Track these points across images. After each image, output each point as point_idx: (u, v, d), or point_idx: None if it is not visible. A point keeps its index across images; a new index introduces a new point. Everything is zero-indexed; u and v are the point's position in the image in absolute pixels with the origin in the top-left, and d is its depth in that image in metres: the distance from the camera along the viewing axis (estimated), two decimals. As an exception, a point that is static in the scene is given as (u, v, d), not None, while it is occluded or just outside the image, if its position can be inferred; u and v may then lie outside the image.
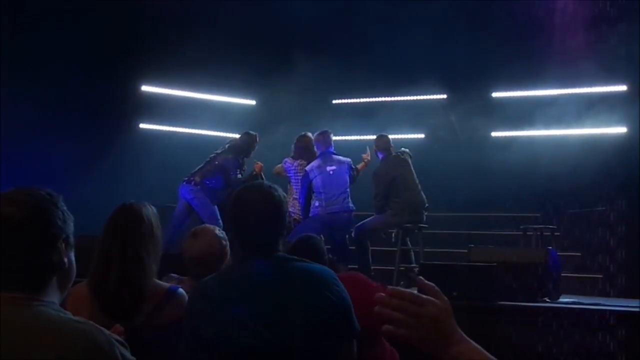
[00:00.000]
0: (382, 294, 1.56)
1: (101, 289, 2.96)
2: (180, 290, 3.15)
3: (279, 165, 8.93)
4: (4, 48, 9.68)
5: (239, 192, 2.84)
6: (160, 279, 3.31)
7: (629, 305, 6.23)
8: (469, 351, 1.53)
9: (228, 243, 3.63)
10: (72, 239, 1.90)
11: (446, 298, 1.57)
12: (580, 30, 9.84)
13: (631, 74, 9.74)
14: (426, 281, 1.59)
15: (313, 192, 8.31)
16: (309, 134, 8.80)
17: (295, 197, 8.60)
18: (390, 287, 1.57)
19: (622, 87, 10.29)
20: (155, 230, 3.11)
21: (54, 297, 1.85)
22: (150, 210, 3.15)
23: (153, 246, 3.07)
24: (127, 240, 3.02)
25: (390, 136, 8.97)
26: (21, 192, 1.88)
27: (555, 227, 8.72)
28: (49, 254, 1.82)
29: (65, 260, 1.86)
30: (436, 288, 1.58)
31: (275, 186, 2.86)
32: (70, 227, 1.90)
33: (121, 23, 10.77)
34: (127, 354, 1.78)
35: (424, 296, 1.56)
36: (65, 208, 1.88)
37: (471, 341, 1.54)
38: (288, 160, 8.82)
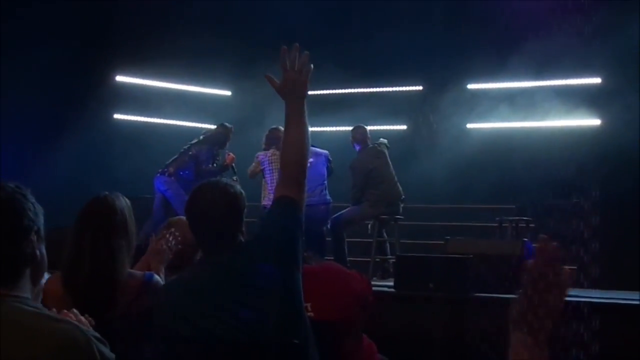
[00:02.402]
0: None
1: (72, 282, 2.93)
2: (156, 277, 3.12)
3: (253, 164, 8.81)
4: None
5: (194, 190, 2.81)
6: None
7: (603, 296, 6.28)
8: None
9: None
10: (42, 232, 1.87)
11: None
12: (556, 22, 9.87)
13: (605, 66, 9.80)
14: None
15: None
16: (280, 127, 8.73)
17: (270, 189, 8.53)
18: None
19: (597, 80, 10.35)
20: (128, 222, 3.07)
21: (27, 291, 1.83)
22: (123, 202, 3.10)
23: (125, 239, 3.03)
24: (99, 233, 2.98)
25: (371, 127, 8.95)
26: None
27: (530, 218, 8.75)
28: (22, 247, 1.79)
29: (37, 252, 1.84)
30: None
31: (232, 183, 2.83)
32: (41, 219, 1.87)
33: (96, 12, 10.68)
34: (106, 350, 1.75)
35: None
36: (34, 200, 1.86)
37: None
38: (260, 153, 8.75)
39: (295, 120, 2.90)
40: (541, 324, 1.54)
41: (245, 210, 2.79)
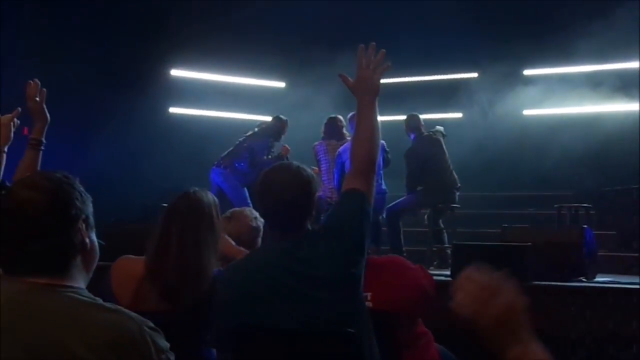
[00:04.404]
0: (465, 275, 1.51)
1: (159, 275, 2.96)
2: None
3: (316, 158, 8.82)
4: (34, 31, 9.75)
5: (266, 172, 2.83)
6: None
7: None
8: (534, 353, 1.49)
9: (261, 230, 3.61)
10: (91, 220, 1.90)
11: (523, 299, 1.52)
12: (611, 5, 9.68)
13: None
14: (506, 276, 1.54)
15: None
16: (339, 116, 8.73)
17: (325, 179, 8.52)
18: (471, 269, 1.54)
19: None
20: (214, 218, 3.09)
21: (80, 280, 1.86)
22: (211, 199, 3.13)
23: (212, 234, 3.05)
24: (186, 227, 3.00)
25: (426, 116, 8.90)
26: (39, 176, 1.91)
27: (589, 205, 8.61)
28: (70, 235, 1.82)
29: (87, 240, 1.86)
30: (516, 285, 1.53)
31: (304, 166, 2.84)
32: (89, 207, 1.89)
33: (150, 6, 10.80)
34: (159, 339, 1.76)
35: (500, 284, 1.52)
36: (82, 189, 1.89)
37: (537, 342, 1.50)
38: (317, 143, 8.76)
39: (367, 116, 2.94)
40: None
41: (316, 195, 2.81)
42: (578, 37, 9.71)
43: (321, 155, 8.59)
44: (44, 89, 3.28)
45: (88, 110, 9.94)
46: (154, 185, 10.08)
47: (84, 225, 1.85)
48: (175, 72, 11.90)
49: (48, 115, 3.30)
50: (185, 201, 3.08)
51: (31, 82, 3.29)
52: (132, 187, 10.17)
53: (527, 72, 11.20)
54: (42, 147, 3.28)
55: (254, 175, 8.21)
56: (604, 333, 5.65)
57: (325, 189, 8.41)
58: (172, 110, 11.93)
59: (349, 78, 3.02)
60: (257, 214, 3.72)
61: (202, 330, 2.90)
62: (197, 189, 3.15)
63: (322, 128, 8.76)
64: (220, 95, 11.79)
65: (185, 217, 3.03)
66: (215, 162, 8.66)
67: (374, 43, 2.99)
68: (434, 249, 8.43)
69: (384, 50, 3.00)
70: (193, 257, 2.97)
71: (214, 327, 2.74)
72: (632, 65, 10.25)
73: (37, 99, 3.29)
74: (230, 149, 8.71)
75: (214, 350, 2.89)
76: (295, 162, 2.89)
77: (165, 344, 1.78)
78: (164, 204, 3.19)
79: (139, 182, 10.28)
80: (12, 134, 3.22)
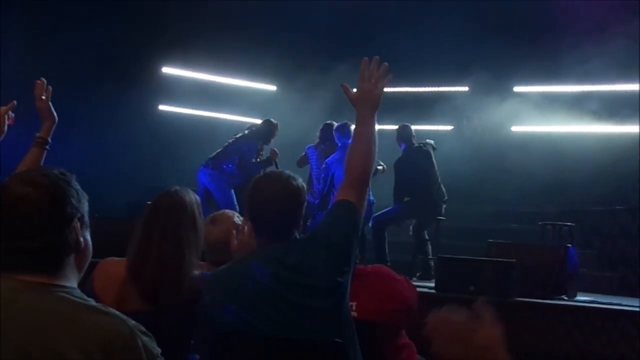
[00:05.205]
0: (434, 316, 1.47)
1: (139, 274, 2.93)
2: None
3: (302, 155, 8.85)
4: (22, 26, 9.71)
5: (256, 180, 2.84)
6: None
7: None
8: None
9: None
10: (87, 218, 1.87)
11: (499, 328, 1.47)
12: (603, 26, 9.73)
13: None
14: (483, 304, 1.49)
15: (333, 186, 8.14)
16: (334, 122, 8.72)
17: (315, 185, 8.50)
18: (444, 308, 1.50)
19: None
20: (197, 218, 3.07)
21: (72, 278, 1.83)
22: (193, 198, 3.12)
23: (194, 234, 3.03)
24: (168, 227, 2.98)
25: (416, 127, 8.92)
26: (35, 172, 1.87)
27: (573, 224, 8.65)
28: (65, 234, 1.79)
29: (81, 239, 1.84)
30: (492, 314, 1.49)
31: (295, 175, 2.84)
32: (85, 206, 1.87)
33: (143, 3, 10.78)
34: (150, 343, 1.75)
35: (477, 321, 1.48)
36: (79, 187, 1.86)
37: None
38: (311, 147, 8.76)
39: (365, 129, 2.95)
40: None
41: (305, 204, 2.82)
42: (568, 57, 9.76)
43: (312, 160, 8.60)
44: (50, 87, 3.26)
45: (77, 105, 9.84)
46: (140, 183, 10.05)
47: (79, 224, 1.83)
48: (167, 70, 11.87)
49: (55, 115, 3.28)
50: (167, 200, 3.06)
51: (38, 81, 3.27)
52: (118, 184, 10.11)
53: (517, 88, 11.26)
54: (48, 147, 3.26)
55: (241, 177, 8.18)
56: (581, 351, 5.69)
57: (314, 193, 8.40)
58: (162, 107, 11.89)
59: (351, 89, 3.01)
60: (237, 213, 3.71)
61: (186, 334, 2.89)
62: (178, 187, 3.13)
63: (318, 133, 8.75)
64: (211, 95, 11.78)
65: (166, 216, 3.01)
66: (204, 163, 8.64)
67: (377, 57, 3.01)
68: (418, 259, 8.43)
69: (386, 63, 3.00)
70: (174, 255, 2.95)
71: (199, 331, 2.74)
72: (623, 87, 10.28)
73: (43, 97, 3.27)
74: (219, 150, 8.69)
75: (197, 356, 2.88)
76: (286, 172, 2.89)
77: (157, 349, 1.76)
78: (149, 202, 3.17)
79: (125, 179, 10.24)
80: (5, 127, 3.20)
